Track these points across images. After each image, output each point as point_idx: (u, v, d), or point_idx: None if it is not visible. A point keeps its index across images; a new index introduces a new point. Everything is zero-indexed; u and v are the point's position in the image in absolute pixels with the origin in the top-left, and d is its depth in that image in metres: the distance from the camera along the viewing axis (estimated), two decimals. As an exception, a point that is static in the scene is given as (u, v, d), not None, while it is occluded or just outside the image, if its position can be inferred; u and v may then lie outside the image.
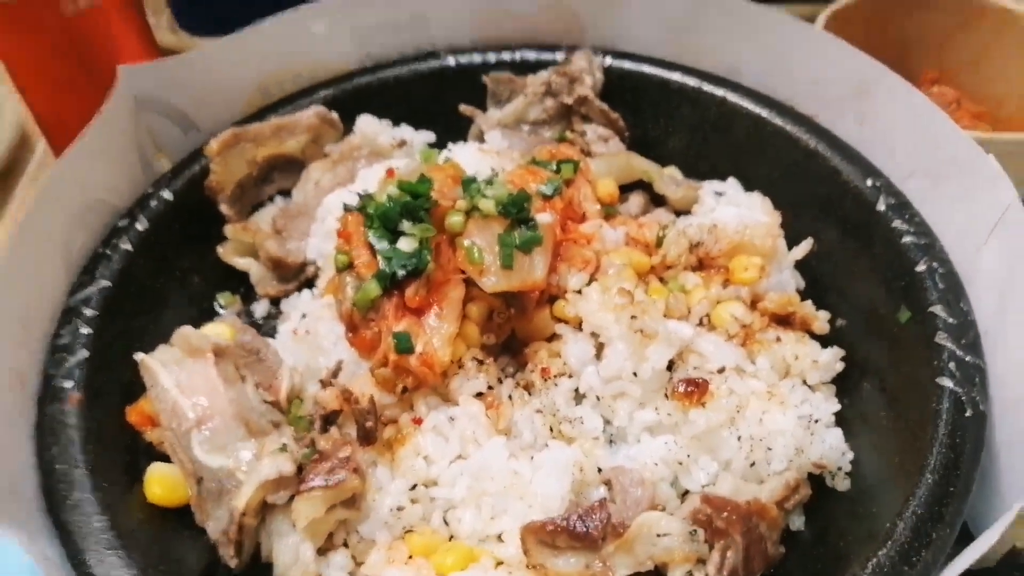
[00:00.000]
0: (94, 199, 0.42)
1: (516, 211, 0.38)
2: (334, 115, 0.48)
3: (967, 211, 0.37)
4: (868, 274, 0.41)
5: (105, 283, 0.40)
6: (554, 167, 0.43)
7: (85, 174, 0.41)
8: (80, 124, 0.56)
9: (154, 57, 0.60)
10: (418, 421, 0.36)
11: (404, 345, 0.35)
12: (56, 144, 0.61)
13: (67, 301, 0.39)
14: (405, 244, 0.36)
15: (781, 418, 0.35)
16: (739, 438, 0.34)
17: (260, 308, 0.45)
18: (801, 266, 0.43)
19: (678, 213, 0.47)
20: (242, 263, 0.45)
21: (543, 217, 0.39)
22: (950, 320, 0.35)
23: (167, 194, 0.44)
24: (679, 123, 0.49)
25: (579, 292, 0.39)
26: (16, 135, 0.63)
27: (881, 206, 0.41)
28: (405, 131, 0.50)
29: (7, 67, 0.55)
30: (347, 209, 0.39)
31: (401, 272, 0.36)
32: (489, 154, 0.46)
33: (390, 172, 0.41)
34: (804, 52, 0.45)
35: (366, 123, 0.49)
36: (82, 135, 0.41)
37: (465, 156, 0.45)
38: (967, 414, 0.32)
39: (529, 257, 0.37)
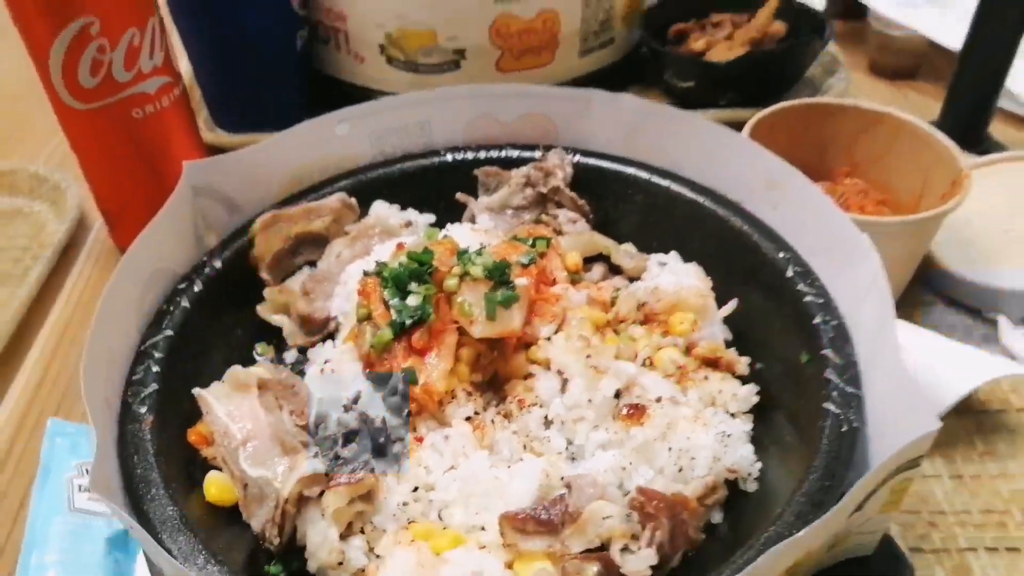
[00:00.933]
0: (160, 267, 0.52)
1: (499, 276, 0.48)
2: (353, 201, 0.59)
3: (851, 277, 0.47)
4: (780, 327, 0.50)
5: (169, 332, 0.49)
6: (531, 243, 0.54)
7: (154, 248, 0.51)
8: (134, 205, 0.67)
9: (201, 151, 0.71)
10: (419, 439, 0.45)
11: (410, 379, 0.45)
12: (112, 223, 0.71)
13: (140, 346, 0.48)
14: (412, 300, 0.46)
15: (704, 435, 0.44)
16: (670, 449, 0.43)
17: (290, 356, 0.54)
18: (728, 321, 0.53)
19: (631, 279, 0.57)
20: (276, 319, 0.55)
21: (521, 281, 0.49)
22: (837, 360, 0.45)
23: (217, 263, 0.54)
24: (633, 207, 0.60)
25: (548, 339, 0.48)
26: (78, 215, 0.73)
27: (790, 273, 0.51)
28: (411, 214, 0.60)
29: (78, 158, 0.67)
30: (366, 274, 0.50)
31: (409, 322, 0.46)
32: (479, 232, 0.56)
33: (400, 246, 0.52)
34: (729, 152, 0.56)
35: (379, 208, 0.60)
36: (154, 220, 0.50)
37: (460, 234, 0.56)
38: (843, 429, 0.42)
39: (509, 311, 0.47)
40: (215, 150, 0.81)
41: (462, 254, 0.50)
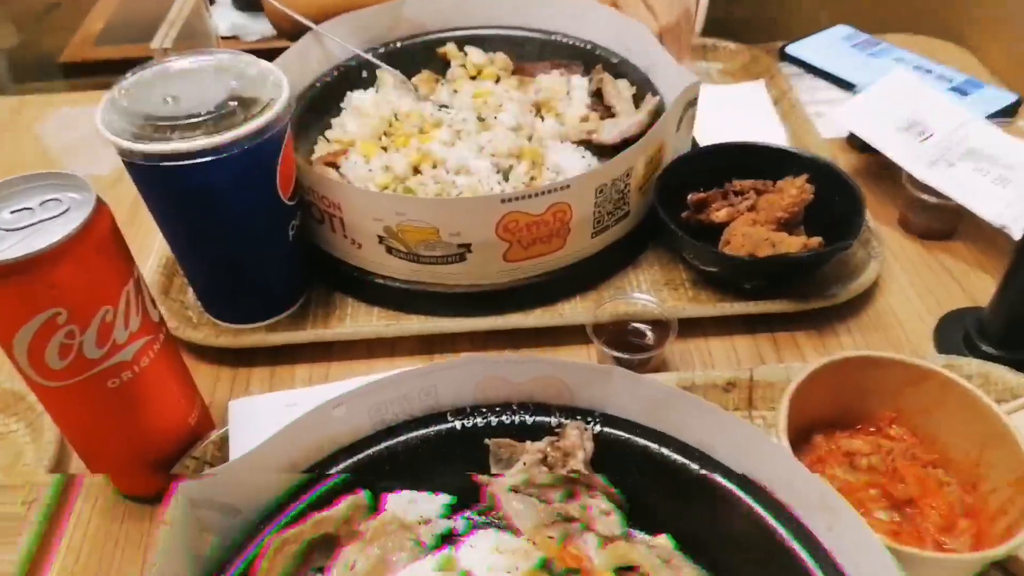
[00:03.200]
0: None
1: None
2: (363, 498, 0.54)
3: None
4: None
5: None
6: (561, 573, 0.49)
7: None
8: (116, 456, 0.62)
9: (189, 392, 0.66)
10: None
11: None
12: (92, 466, 0.66)
13: None
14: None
15: None
16: None
17: None
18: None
19: (667, 594, 0.52)
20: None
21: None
22: None
23: (213, 597, 0.49)
24: (667, 495, 0.54)
25: None
26: (55, 451, 0.68)
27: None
28: (425, 504, 0.55)
29: (56, 423, 0.61)
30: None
31: None
32: (505, 554, 0.51)
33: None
34: (773, 461, 0.51)
35: (394, 503, 0.55)
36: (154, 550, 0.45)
37: (481, 554, 0.51)
38: None
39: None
40: (204, 349, 0.76)
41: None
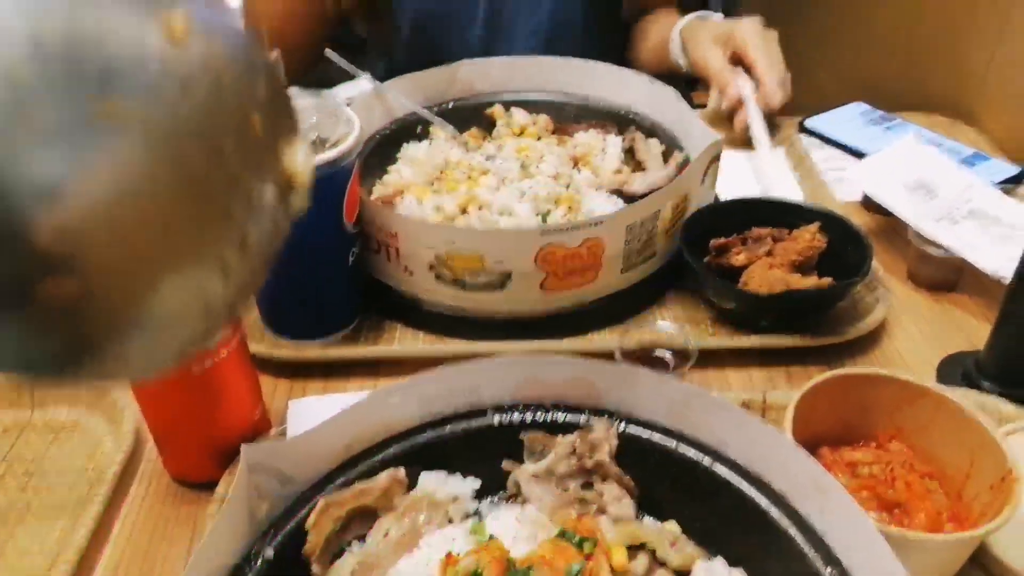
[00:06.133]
0: (218, 563, 0.53)
1: (548, 594, 0.49)
2: (403, 475, 0.60)
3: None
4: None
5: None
6: (577, 540, 0.55)
7: (215, 548, 0.52)
8: (187, 442, 0.70)
9: (255, 390, 0.73)
10: None
11: None
12: (164, 453, 0.73)
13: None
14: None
15: None
16: None
17: (337, 646, 0.55)
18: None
19: (677, 574, 0.57)
20: (326, 609, 0.56)
21: (570, 596, 0.50)
22: None
23: (269, 552, 0.55)
24: (677, 485, 0.60)
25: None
26: (133, 441, 0.75)
27: (839, 590, 0.51)
28: (457, 485, 0.61)
29: (140, 405, 0.69)
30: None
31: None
32: (525, 524, 0.57)
33: (449, 557, 0.53)
34: (776, 450, 0.57)
35: (426, 481, 0.61)
36: (216, 523, 0.52)
37: (506, 527, 0.57)
38: None
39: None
40: (264, 361, 0.84)
41: (512, 572, 0.51)
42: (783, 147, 1.17)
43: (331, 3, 1.26)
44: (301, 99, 0.79)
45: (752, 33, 1.05)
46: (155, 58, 0.27)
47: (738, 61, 1.09)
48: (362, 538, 0.60)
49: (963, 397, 0.71)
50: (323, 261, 0.81)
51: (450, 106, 1.09)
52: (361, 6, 1.27)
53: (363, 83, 1.00)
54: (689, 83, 1.35)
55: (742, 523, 0.57)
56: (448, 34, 1.29)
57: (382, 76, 1.03)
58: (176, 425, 0.69)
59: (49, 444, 0.77)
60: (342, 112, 0.78)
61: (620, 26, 1.38)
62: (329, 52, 1.00)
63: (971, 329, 0.86)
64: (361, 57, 1.90)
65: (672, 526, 0.60)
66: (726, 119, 1.14)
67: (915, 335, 0.86)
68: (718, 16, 1.20)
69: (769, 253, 0.87)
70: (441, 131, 1.05)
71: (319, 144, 0.74)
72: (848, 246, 0.86)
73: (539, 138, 1.06)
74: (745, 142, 1.12)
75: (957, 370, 0.79)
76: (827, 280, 0.79)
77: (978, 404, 0.71)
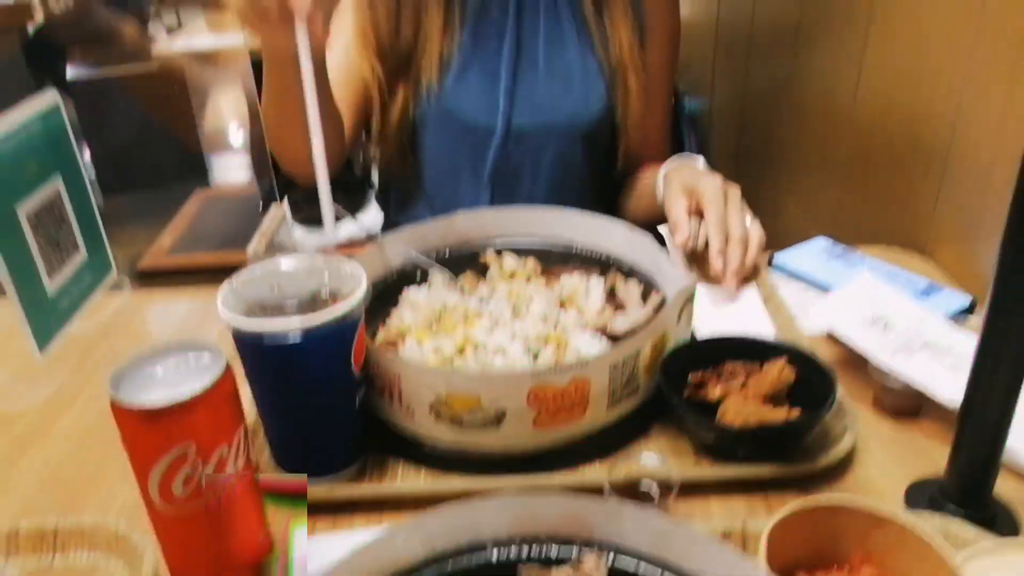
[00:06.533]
0: None
1: None
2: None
3: None
4: None
5: None
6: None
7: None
8: (196, 565, 0.74)
9: (261, 521, 0.78)
10: None
11: None
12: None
13: None
14: None
15: None
16: None
17: None
18: None
19: None
20: None
21: None
22: None
23: None
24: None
25: None
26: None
27: None
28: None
29: (156, 535, 0.74)
30: None
31: None
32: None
33: None
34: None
35: (431, 615, 0.65)
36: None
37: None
38: None
39: None
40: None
41: None
42: (754, 281, 1.26)
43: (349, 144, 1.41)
44: (315, 261, 0.88)
45: (711, 191, 1.15)
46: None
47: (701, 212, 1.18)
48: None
49: (928, 521, 0.77)
50: (333, 406, 0.88)
51: (447, 255, 1.18)
52: (397, 155, 1.42)
53: (365, 221, 1.11)
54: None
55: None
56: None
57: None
58: (192, 555, 0.73)
59: (70, 588, 0.81)
60: (351, 269, 0.87)
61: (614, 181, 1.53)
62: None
63: (936, 454, 0.92)
64: (361, 196, 2.04)
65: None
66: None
67: (884, 460, 0.92)
68: (700, 161, 1.31)
69: (743, 386, 0.94)
70: (439, 276, 1.14)
71: (330, 299, 0.83)
72: (814, 377, 0.93)
73: (528, 280, 1.15)
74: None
75: (924, 495, 0.84)
76: (796, 412, 0.86)
77: (942, 528, 0.77)
